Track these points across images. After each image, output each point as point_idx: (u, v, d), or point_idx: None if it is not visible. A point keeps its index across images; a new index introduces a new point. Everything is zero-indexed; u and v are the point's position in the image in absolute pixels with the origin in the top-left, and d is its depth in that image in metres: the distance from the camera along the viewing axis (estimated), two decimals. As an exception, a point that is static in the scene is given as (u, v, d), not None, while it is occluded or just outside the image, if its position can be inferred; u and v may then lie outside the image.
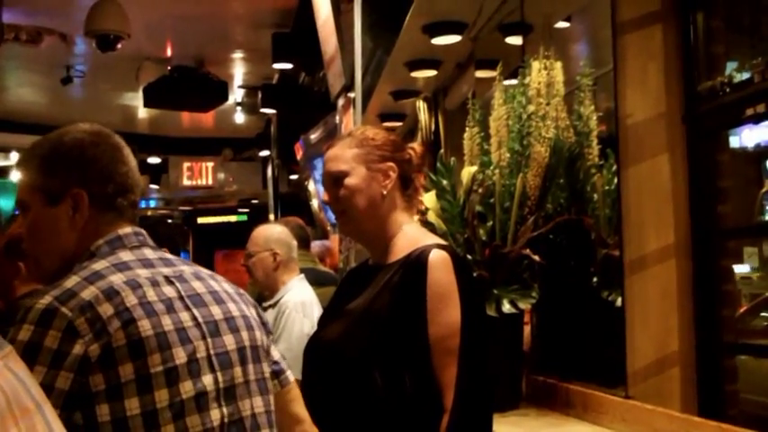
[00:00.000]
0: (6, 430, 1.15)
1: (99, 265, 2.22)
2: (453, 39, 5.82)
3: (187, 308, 2.25)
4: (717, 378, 3.42)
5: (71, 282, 2.15)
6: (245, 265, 5.30)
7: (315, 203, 15.00)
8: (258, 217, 19.11)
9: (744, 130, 4.02)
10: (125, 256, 2.28)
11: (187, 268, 2.39)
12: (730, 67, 3.51)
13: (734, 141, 3.88)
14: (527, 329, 4.25)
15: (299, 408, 2.63)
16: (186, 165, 19.82)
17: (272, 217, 16.36)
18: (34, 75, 13.44)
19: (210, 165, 19.87)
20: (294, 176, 18.09)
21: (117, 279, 2.18)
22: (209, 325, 2.27)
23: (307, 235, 6.76)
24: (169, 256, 2.40)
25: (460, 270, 2.79)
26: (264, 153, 17.84)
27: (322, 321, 3.15)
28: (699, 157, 3.49)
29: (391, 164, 2.98)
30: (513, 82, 4.22)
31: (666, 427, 3.04)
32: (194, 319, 2.25)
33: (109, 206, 2.36)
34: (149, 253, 2.35)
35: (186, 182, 19.98)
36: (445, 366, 2.72)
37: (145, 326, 2.12)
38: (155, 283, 2.23)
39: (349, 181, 2.98)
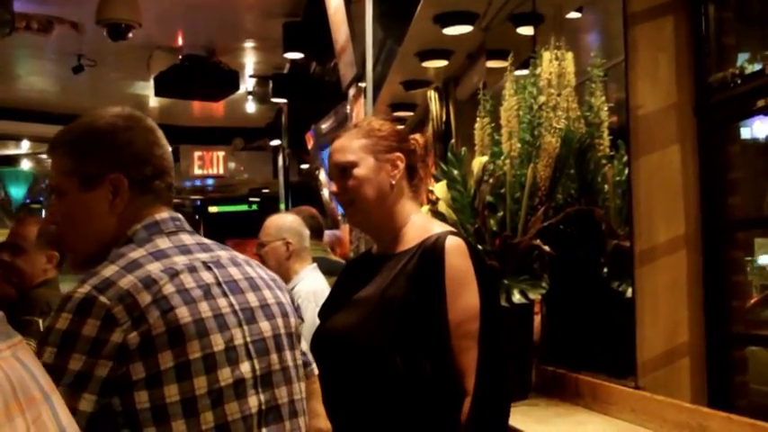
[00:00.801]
0: (12, 418, 1.16)
1: (136, 254, 2.23)
2: (464, 29, 5.82)
3: (224, 294, 2.27)
4: (726, 369, 3.42)
5: (109, 271, 2.16)
6: (257, 255, 5.31)
7: (325, 193, 15.00)
8: (269, 206, 19.13)
9: (755, 122, 4.01)
10: (162, 243, 2.29)
11: (224, 253, 2.40)
12: (741, 58, 3.51)
13: (745, 133, 3.87)
14: (537, 320, 4.26)
15: (317, 402, 2.65)
16: (197, 154, 19.82)
17: (282, 206, 16.37)
18: (45, 63, 13.46)
19: (221, 154, 19.88)
20: (305, 166, 18.10)
21: (154, 268, 2.19)
22: (245, 312, 2.29)
23: (319, 224, 6.76)
24: (206, 240, 2.41)
25: (476, 256, 2.83)
26: (275, 142, 17.85)
27: (326, 312, 3.15)
28: (709, 149, 3.49)
29: (399, 154, 3.00)
30: (524, 72, 4.22)
31: (676, 418, 3.05)
32: (231, 305, 2.27)
33: (147, 189, 2.37)
34: (186, 238, 2.36)
35: (197, 171, 19.99)
36: (465, 350, 2.75)
37: (183, 313, 2.14)
38: (192, 269, 2.24)
39: (358, 171, 3.00)
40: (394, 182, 2.99)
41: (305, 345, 2.63)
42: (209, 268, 2.29)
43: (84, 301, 2.08)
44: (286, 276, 5.19)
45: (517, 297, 3.72)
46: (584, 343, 4.06)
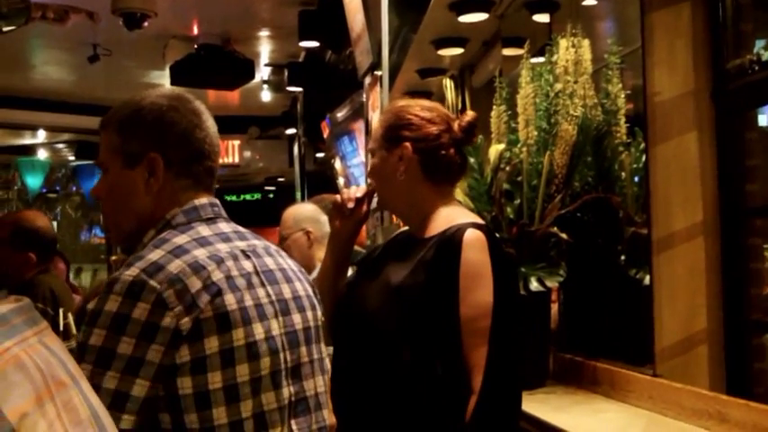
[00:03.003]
0: (42, 405, 1.17)
1: (181, 239, 2.25)
2: (480, 16, 5.81)
3: (262, 284, 2.30)
4: (744, 356, 3.41)
5: (156, 255, 2.18)
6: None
7: (341, 181, 15.00)
8: (284, 195, 19.13)
9: (772, 108, 4.00)
10: (203, 230, 2.32)
11: (258, 242, 2.43)
12: (759, 44, 3.50)
13: (762, 119, 3.86)
14: (554, 307, 4.26)
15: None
16: (213, 143, 19.81)
17: (298, 195, 16.38)
18: (61, 53, 13.47)
19: (237, 143, 19.86)
20: (320, 154, 18.08)
21: (200, 254, 2.21)
22: (280, 303, 2.32)
23: (342, 213, 6.74)
24: (241, 228, 2.45)
25: (495, 250, 2.76)
26: (291, 131, 17.84)
27: (353, 286, 3.13)
28: (727, 136, 3.48)
29: (406, 144, 2.94)
30: (541, 60, 4.21)
31: (694, 405, 3.04)
32: (269, 296, 2.30)
33: (185, 172, 2.39)
34: (224, 226, 2.38)
35: (213, 159, 19.97)
36: (475, 347, 2.69)
37: (230, 300, 2.16)
38: (235, 258, 2.27)
39: (372, 161, 3.00)
40: (399, 174, 2.95)
41: None
42: (248, 257, 2.32)
43: (134, 284, 2.10)
44: (311, 265, 5.20)
45: (534, 285, 3.71)
46: (602, 330, 4.05)
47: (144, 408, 2.05)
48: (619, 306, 3.97)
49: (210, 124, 2.46)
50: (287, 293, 2.36)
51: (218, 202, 2.44)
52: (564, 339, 4.25)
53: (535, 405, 3.50)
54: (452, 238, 2.76)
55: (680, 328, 3.42)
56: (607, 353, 3.86)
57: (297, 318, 2.37)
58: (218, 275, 2.17)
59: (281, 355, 2.27)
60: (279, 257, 2.46)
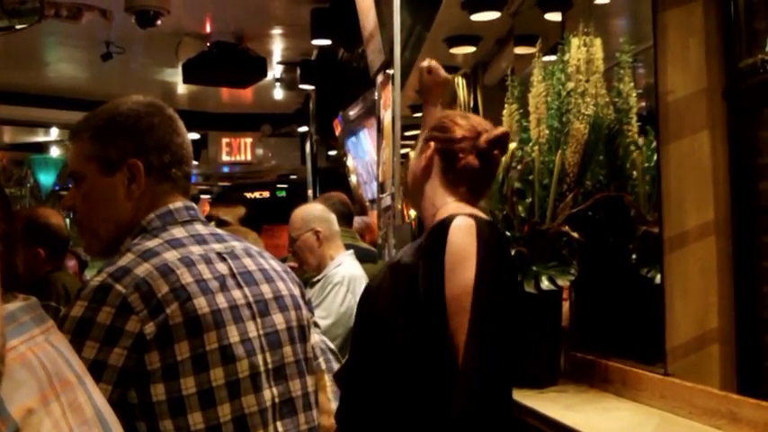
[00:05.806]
0: (47, 403, 1.17)
1: (152, 243, 2.25)
2: (492, 15, 5.81)
3: (239, 286, 2.28)
4: (756, 355, 3.41)
5: (125, 259, 2.18)
6: (291, 251, 5.34)
7: (353, 179, 14.99)
8: (297, 192, 19.17)
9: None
10: (178, 232, 2.31)
11: (238, 244, 2.41)
12: (771, 43, 3.49)
13: (775, 118, 3.86)
14: (565, 306, 4.25)
15: (323, 397, 2.65)
16: (225, 140, 19.87)
17: (310, 193, 16.40)
18: (74, 50, 13.51)
19: (249, 140, 19.91)
20: (332, 152, 18.10)
21: (171, 256, 2.20)
22: (259, 304, 2.30)
23: (349, 211, 6.74)
24: (220, 231, 2.44)
25: (484, 235, 2.80)
26: (303, 129, 17.85)
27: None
28: (739, 134, 3.47)
29: (431, 142, 3.08)
30: (553, 58, 4.21)
31: (706, 405, 3.04)
32: (245, 297, 2.28)
33: (165, 176, 2.39)
34: (201, 228, 2.37)
35: (225, 157, 20.03)
36: (460, 327, 2.71)
37: (201, 303, 2.15)
38: (208, 261, 2.26)
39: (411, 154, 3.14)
40: (419, 168, 3.11)
41: (316, 337, 2.64)
42: (223, 259, 2.31)
43: (100, 288, 2.10)
44: (322, 263, 5.22)
45: (546, 284, 3.71)
46: (614, 329, 4.05)
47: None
48: (630, 305, 3.97)
49: (185, 130, 2.47)
50: (267, 294, 2.35)
51: (193, 205, 2.44)
52: (575, 338, 4.25)
53: (546, 403, 3.50)
54: (441, 225, 2.84)
55: (692, 327, 3.41)
56: (618, 351, 3.86)
57: (278, 318, 2.35)
58: (187, 278, 2.17)
59: (260, 357, 2.25)
60: (260, 258, 2.45)
